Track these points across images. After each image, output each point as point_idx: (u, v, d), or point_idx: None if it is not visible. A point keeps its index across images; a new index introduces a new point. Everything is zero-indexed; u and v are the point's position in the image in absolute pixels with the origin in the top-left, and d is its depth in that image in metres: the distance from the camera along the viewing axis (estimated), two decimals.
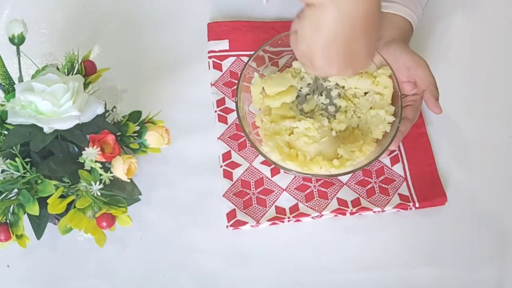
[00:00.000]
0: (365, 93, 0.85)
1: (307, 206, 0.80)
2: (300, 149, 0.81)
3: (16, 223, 0.67)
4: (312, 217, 0.80)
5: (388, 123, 0.81)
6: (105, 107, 0.72)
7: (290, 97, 0.84)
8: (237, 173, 0.82)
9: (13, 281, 0.76)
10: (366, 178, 0.83)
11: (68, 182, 0.68)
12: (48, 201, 0.65)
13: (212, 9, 0.96)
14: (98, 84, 0.79)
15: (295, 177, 0.82)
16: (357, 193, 0.81)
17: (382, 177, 0.83)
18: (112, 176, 0.67)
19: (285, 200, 0.81)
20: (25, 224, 0.68)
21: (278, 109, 0.84)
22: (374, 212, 0.80)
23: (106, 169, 0.67)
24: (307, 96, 0.86)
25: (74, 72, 0.76)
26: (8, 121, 0.67)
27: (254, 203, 0.80)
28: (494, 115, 0.89)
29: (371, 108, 0.83)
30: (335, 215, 0.80)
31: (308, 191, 0.81)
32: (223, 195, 0.81)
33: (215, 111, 0.87)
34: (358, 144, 0.80)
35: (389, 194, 0.81)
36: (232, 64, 0.91)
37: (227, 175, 0.82)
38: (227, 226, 0.78)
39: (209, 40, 0.93)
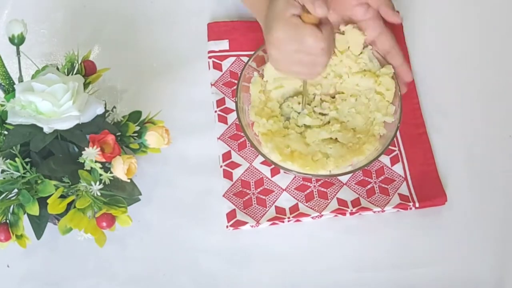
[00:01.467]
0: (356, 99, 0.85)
1: (307, 206, 0.80)
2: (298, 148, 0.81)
3: (16, 223, 0.67)
4: (312, 217, 0.79)
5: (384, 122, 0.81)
6: (105, 107, 0.72)
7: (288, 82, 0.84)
8: (237, 173, 0.82)
9: (13, 281, 0.76)
10: (366, 178, 0.83)
11: (68, 182, 0.68)
12: (48, 201, 0.65)
13: (212, 9, 0.96)
14: (98, 84, 0.78)
15: (295, 177, 0.82)
16: (357, 193, 0.81)
17: (382, 177, 0.83)
18: (112, 176, 0.67)
19: (285, 200, 0.81)
20: (25, 224, 0.68)
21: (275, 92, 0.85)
22: (374, 212, 0.80)
23: (106, 169, 0.67)
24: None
25: (74, 72, 0.76)
26: (8, 121, 0.67)
27: (254, 203, 0.80)
28: (494, 115, 0.89)
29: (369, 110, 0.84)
30: (335, 215, 0.80)
31: (308, 191, 0.81)
32: (223, 195, 0.81)
33: (215, 111, 0.87)
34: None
35: (389, 194, 0.81)
36: (232, 64, 0.91)
37: (227, 175, 0.82)
38: (227, 226, 0.78)
39: (209, 40, 0.93)
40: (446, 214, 0.81)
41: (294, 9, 0.70)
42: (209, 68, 0.91)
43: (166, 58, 0.92)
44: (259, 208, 0.80)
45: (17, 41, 0.73)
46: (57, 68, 0.76)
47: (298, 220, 0.80)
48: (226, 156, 0.83)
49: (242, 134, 0.84)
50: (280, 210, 0.80)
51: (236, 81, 0.87)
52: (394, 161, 0.84)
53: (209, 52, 0.92)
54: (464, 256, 0.78)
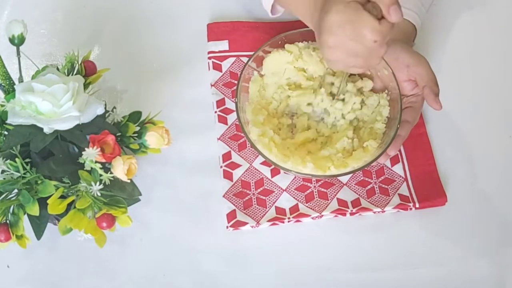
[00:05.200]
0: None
1: (307, 206, 0.80)
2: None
3: (16, 223, 0.67)
4: (312, 218, 0.80)
5: (383, 122, 0.81)
6: (105, 108, 0.72)
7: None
8: (237, 173, 0.82)
9: (13, 281, 0.76)
10: (366, 179, 0.83)
11: (68, 183, 0.68)
12: (48, 201, 0.66)
13: (212, 9, 0.96)
14: (98, 84, 0.79)
15: (295, 177, 0.82)
16: (357, 193, 0.81)
17: (382, 178, 0.83)
18: (112, 177, 0.67)
19: (285, 201, 0.81)
20: (25, 224, 0.68)
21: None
22: (374, 212, 0.80)
23: (106, 169, 0.67)
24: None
25: (74, 73, 0.76)
26: (8, 121, 0.67)
27: (254, 204, 0.80)
28: (494, 115, 0.89)
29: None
30: (335, 216, 0.80)
31: (308, 191, 0.81)
32: (223, 196, 0.81)
33: (215, 112, 0.87)
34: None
35: (389, 194, 0.81)
36: (232, 64, 0.91)
37: (227, 175, 0.82)
38: (227, 227, 0.78)
39: (208, 41, 0.93)
40: (446, 214, 0.81)
41: None
42: (209, 69, 0.91)
43: (166, 59, 0.92)
44: (259, 209, 0.80)
45: (17, 41, 0.73)
46: (57, 69, 0.76)
47: (298, 221, 0.80)
48: (226, 156, 0.83)
49: (242, 134, 0.84)
50: (280, 211, 0.80)
51: (236, 82, 0.87)
52: (394, 161, 0.84)
53: (209, 52, 0.92)
54: (464, 256, 0.78)
